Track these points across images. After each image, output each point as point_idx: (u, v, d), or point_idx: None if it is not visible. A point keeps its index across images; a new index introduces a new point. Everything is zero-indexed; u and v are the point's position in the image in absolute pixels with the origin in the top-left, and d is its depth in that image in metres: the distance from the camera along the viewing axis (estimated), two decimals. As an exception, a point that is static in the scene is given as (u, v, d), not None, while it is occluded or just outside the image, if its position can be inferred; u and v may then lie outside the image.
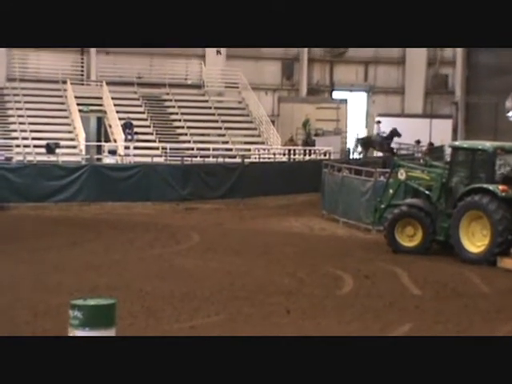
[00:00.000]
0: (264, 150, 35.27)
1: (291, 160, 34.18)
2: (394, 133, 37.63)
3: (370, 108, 43.26)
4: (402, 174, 20.16)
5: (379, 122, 38.79)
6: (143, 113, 36.48)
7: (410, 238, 19.33)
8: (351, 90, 43.18)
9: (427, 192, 19.62)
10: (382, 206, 20.39)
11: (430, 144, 37.99)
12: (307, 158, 34.89)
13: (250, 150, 34.81)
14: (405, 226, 19.37)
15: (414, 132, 39.07)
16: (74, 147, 32.98)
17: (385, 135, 37.63)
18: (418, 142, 38.46)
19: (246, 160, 31.14)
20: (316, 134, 39.18)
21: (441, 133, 38.79)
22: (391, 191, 20.34)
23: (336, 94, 42.75)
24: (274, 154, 34.46)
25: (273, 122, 38.41)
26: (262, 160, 33.75)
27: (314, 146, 36.96)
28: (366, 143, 36.65)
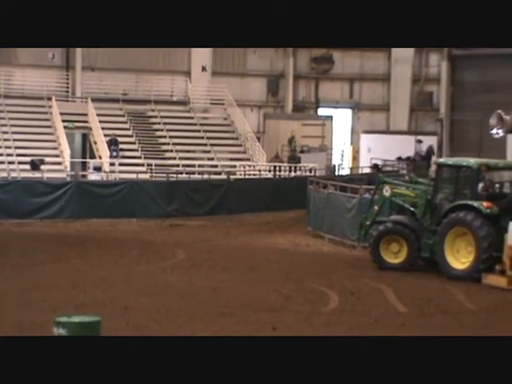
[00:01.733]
0: (249, 166, 35.30)
1: (277, 176, 34.22)
2: (430, 151, 37.70)
3: (356, 125, 43.39)
4: (387, 191, 20.22)
5: (420, 142, 38.77)
6: (128, 129, 36.46)
7: (395, 254, 19.36)
8: (336, 107, 43.30)
9: (412, 209, 19.67)
10: (368, 223, 20.42)
11: (412, 160, 38.09)
12: (293, 174, 34.93)
13: (235, 166, 34.83)
14: (390, 242, 19.40)
15: (398, 149, 39.23)
16: (59, 164, 32.88)
17: (423, 154, 37.71)
18: (400, 158, 38.53)
19: (232, 176, 31.15)
20: (301, 151, 39.25)
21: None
22: (376, 208, 20.39)
23: (321, 111, 42.87)
24: (260, 171, 34.48)
25: (258, 138, 38.45)
26: (247, 176, 33.78)
27: (299, 162, 37.02)
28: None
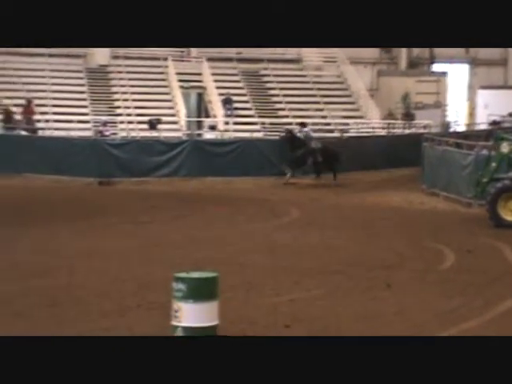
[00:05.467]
0: (363, 124, 35.05)
1: (390, 134, 33.87)
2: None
3: (472, 80, 42.35)
4: (505, 147, 19.78)
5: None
6: (242, 88, 36.70)
7: (513, 212, 18.98)
8: (451, 63, 42.34)
9: (531, 166, 19.20)
10: (485, 180, 20.05)
11: None
12: (407, 131, 34.48)
13: (348, 124, 34.65)
14: (508, 200, 19.01)
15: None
16: (175, 123, 33.51)
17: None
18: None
19: (345, 134, 31.02)
20: (416, 108, 38.66)
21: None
22: (494, 165, 19.98)
23: (436, 67, 42.02)
24: (373, 128, 34.19)
25: (371, 95, 38.06)
26: (360, 134, 33.56)
27: (413, 119, 36.49)
28: None
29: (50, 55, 34.77)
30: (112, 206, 22.35)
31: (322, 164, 27.49)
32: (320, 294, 12.54)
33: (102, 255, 15.18)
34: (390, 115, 37.70)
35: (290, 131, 28.70)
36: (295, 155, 27.46)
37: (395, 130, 34.72)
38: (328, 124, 34.65)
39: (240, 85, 36.92)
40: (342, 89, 38.00)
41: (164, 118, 32.74)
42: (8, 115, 30.92)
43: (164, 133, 30.60)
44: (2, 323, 10.16)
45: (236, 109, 34.78)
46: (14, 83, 33.60)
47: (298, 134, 28.38)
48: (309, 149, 27.41)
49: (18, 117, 31.26)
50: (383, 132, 34.02)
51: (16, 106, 31.78)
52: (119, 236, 17.44)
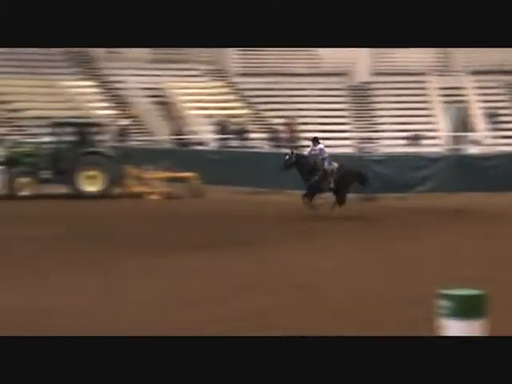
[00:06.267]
0: None
1: None
2: None
3: None
4: None
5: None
6: (506, 101, 35.72)
7: None
8: None
9: None
10: None
11: None
12: None
13: None
14: None
15: None
16: (436, 138, 33.28)
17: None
18: None
19: None
20: None
21: None
22: None
23: None
24: None
25: None
26: None
27: None
28: None
29: (314, 74, 35.93)
30: (368, 221, 22.54)
31: (336, 189, 23.12)
32: None
33: (347, 270, 15.25)
34: None
35: (293, 153, 23.64)
36: (310, 183, 23.01)
37: None
38: None
39: (504, 98, 35.97)
40: None
41: (424, 133, 32.66)
42: (274, 134, 32.30)
43: (424, 148, 30.50)
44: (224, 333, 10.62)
45: (500, 122, 33.92)
46: (281, 103, 35.03)
47: (308, 154, 23.75)
48: (322, 172, 23.10)
49: (282, 135, 32.59)
50: None
51: (282, 124, 33.12)
52: (366, 251, 17.49)
